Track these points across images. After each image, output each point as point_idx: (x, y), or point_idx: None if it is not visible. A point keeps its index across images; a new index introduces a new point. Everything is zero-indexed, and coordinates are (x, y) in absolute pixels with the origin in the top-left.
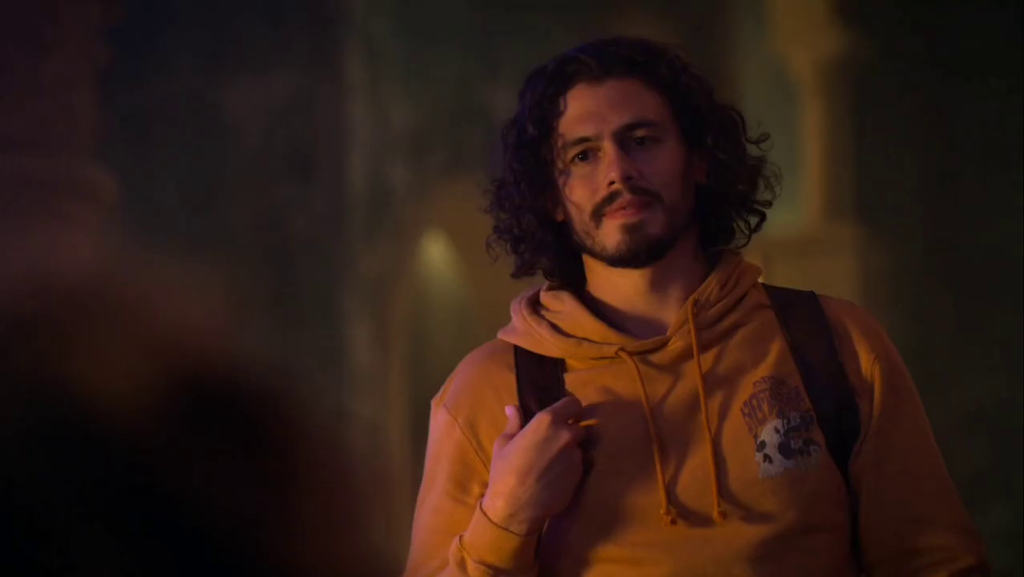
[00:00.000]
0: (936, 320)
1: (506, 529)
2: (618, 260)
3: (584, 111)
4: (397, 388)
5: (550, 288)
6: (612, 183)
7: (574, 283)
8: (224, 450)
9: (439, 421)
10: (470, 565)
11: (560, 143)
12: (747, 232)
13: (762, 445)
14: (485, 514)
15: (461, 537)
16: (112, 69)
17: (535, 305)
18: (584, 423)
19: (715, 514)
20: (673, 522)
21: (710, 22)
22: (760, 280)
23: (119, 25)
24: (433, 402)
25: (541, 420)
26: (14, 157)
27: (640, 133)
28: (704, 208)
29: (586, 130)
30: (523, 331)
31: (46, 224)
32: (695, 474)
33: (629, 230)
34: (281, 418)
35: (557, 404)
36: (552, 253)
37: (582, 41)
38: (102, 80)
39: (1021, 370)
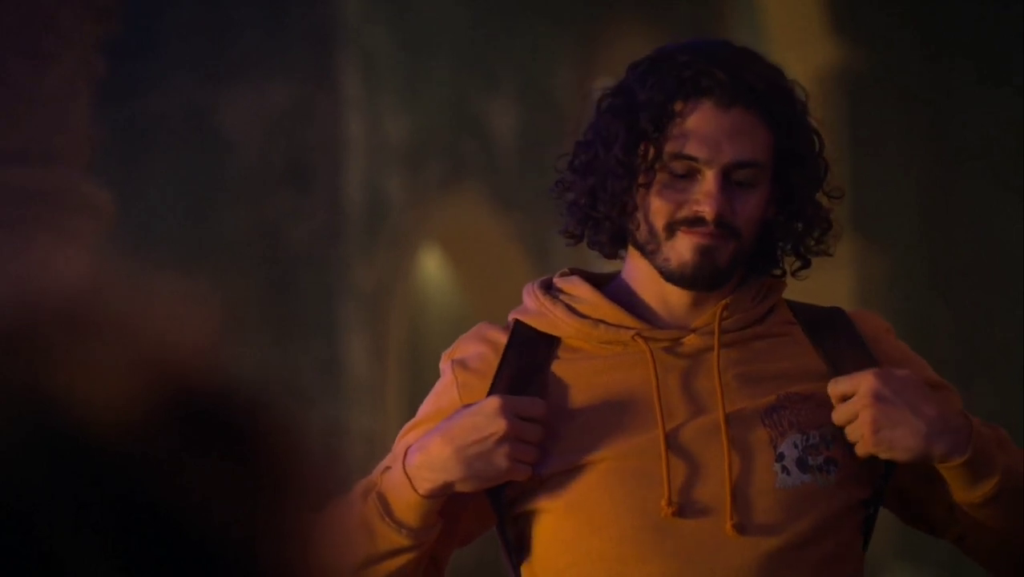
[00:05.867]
0: (934, 330)
1: (410, 479)
2: (677, 279)
3: (703, 132)
4: (394, 400)
5: (562, 275)
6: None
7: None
8: (219, 462)
9: (444, 376)
10: (372, 496)
11: (667, 149)
12: (790, 270)
13: (781, 457)
14: (404, 457)
15: (388, 468)
16: (108, 81)
17: (548, 288)
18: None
19: (727, 519)
20: (675, 514)
21: (704, 33)
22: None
23: (115, 37)
24: (444, 355)
25: (491, 402)
26: (9, 169)
27: (742, 175)
28: (761, 239)
29: (700, 152)
30: (536, 311)
31: (41, 237)
32: (707, 474)
33: (701, 252)
34: (277, 430)
35: (520, 398)
36: (622, 240)
37: (581, 53)
38: (98, 92)
39: (1020, 379)
